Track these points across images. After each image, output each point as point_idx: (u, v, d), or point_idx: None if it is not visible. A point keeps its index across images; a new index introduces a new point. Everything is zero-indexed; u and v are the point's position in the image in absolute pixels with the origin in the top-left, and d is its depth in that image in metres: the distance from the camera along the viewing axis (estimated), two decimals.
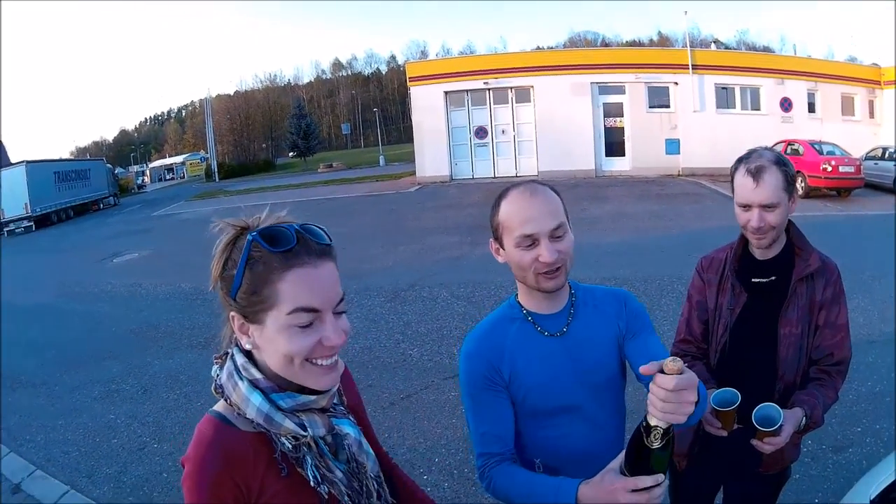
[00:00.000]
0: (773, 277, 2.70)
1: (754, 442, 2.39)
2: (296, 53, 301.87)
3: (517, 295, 2.17)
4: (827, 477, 4.81)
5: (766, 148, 2.68)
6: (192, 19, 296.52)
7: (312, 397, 1.46)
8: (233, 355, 1.48)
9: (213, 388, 1.48)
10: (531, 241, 1.94)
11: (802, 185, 20.75)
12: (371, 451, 1.64)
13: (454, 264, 13.50)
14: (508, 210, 2.00)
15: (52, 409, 7.28)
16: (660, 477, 1.56)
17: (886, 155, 23.57)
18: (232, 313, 1.42)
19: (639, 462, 1.56)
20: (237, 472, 1.37)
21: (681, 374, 1.45)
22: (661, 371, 1.47)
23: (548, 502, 1.80)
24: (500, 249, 2.08)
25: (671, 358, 1.46)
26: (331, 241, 1.48)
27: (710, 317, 2.87)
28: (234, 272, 1.37)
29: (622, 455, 1.64)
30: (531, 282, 2.01)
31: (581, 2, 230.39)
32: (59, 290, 14.29)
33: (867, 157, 23.92)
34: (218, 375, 1.49)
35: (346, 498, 1.51)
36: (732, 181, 2.67)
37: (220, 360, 1.52)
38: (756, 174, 2.52)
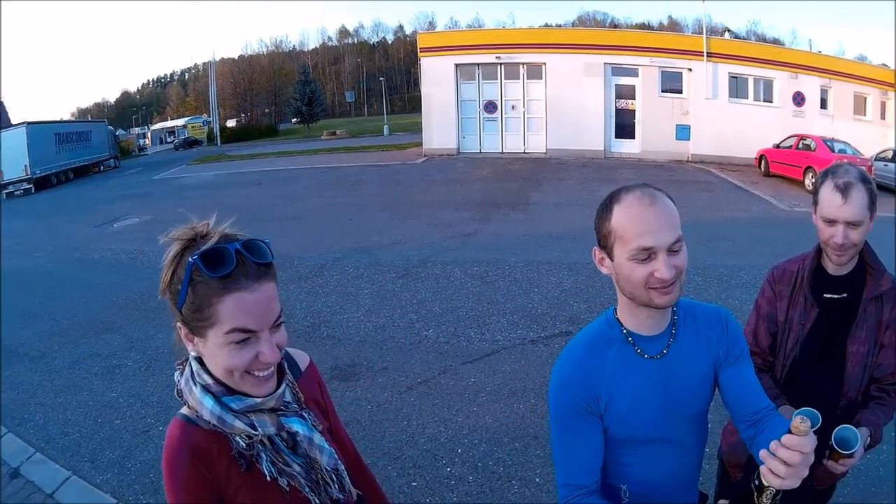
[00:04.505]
0: (845, 294, 2.72)
1: (829, 463, 2.34)
2: (302, 19, 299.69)
3: (616, 309, 1.99)
4: (844, 483, 4.68)
5: (849, 164, 2.66)
6: None
7: (259, 399, 1.54)
8: (190, 362, 1.58)
9: (175, 393, 1.59)
10: (648, 255, 1.74)
11: (813, 181, 20.47)
12: (326, 445, 1.69)
13: (466, 241, 13.29)
14: (624, 218, 1.78)
15: (51, 385, 7.02)
16: None
17: None
18: (178, 323, 1.51)
19: None
20: (204, 466, 1.51)
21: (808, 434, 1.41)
22: (789, 431, 1.42)
23: None
24: (606, 260, 1.88)
25: (799, 417, 1.41)
26: (272, 257, 1.52)
27: (780, 329, 2.87)
28: (179, 288, 1.45)
29: None
30: (641, 298, 1.81)
31: None
32: (57, 256, 14.08)
33: (877, 158, 23.97)
34: (178, 381, 1.60)
35: (306, 489, 1.62)
36: (817, 194, 2.65)
37: (181, 366, 1.63)
38: (845, 190, 2.52)
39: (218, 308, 1.42)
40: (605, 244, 1.85)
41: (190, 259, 1.42)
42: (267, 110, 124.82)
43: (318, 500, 1.65)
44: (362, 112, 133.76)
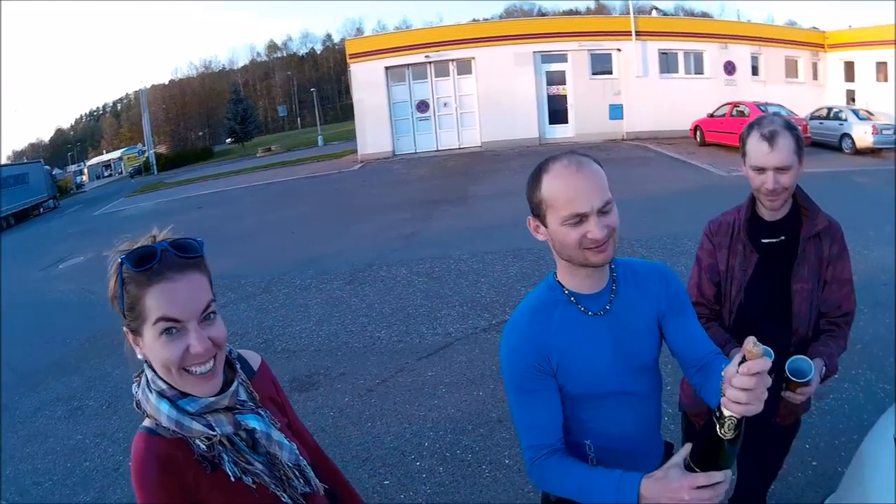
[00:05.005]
0: (783, 237, 2.84)
1: (787, 394, 2.52)
2: (230, 37, 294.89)
3: (555, 273, 2.09)
4: (814, 424, 5.05)
5: (775, 114, 2.85)
6: (121, 9, 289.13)
7: (212, 398, 1.59)
8: (145, 372, 1.62)
9: (134, 405, 1.64)
10: (579, 219, 1.84)
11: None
12: (285, 441, 1.74)
13: (409, 241, 13.41)
14: (553, 186, 1.89)
15: (17, 436, 6.87)
16: (728, 473, 1.55)
17: (831, 114, 24.32)
18: (124, 328, 1.59)
19: (707, 455, 1.56)
20: (174, 474, 1.55)
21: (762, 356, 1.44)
22: (743, 358, 1.45)
23: (608, 499, 1.75)
24: (541, 227, 1.98)
25: (751, 341, 1.42)
26: (202, 252, 1.61)
27: (722, 278, 2.98)
28: (118, 292, 1.54)
29: (686, 449, 1.64)
30: (578, 258, 1.91)
31: None
32: (5, 303, 13.80)
33: (812, 117, 24.88)
34: (136, 392, 1.64)
35: (272, 486, 1.67)
36: (744, 146, 2.78)
37: (137, 379, 1.67)
38: (771, 139, 2.64)
39: (145, 302, 1.49)
40: (539, 212, 1.96)
41: (118, 259, 1.52)
42: (201, 133, 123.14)
43: (286, 497, 1.71)
44: (296, 125, 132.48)
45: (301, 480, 1.76)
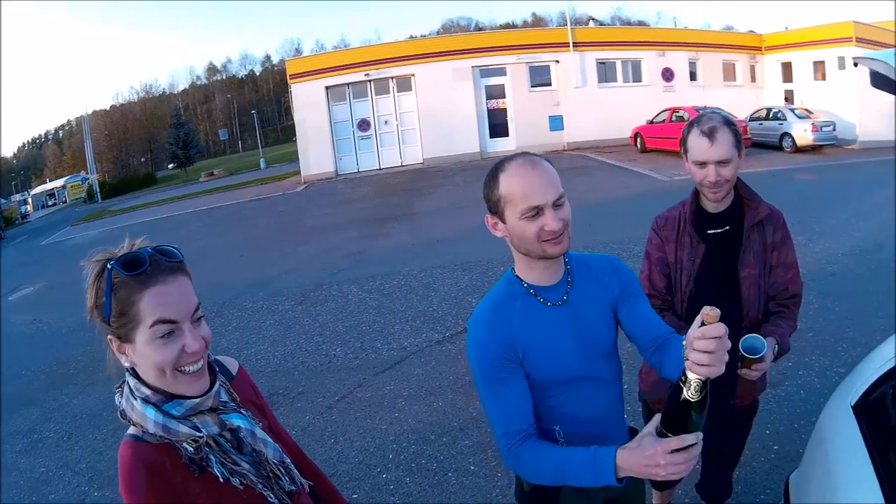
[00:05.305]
0: (727, 227, 2.98)
1: (743, 371, 2.62)
2: (170, 60, 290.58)
3: (514, 269, 2.19)
4: (772, 410, 5.30)
5: (713, 111, 2.98)
6: (59, 34, 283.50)
7: (197, 399, 1.62)
8: (127, 380, 1.65)
9: (119, 415, 1.66)
10: (536, 212, 1.96)
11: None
12: (269, 439, 1.79)
13: (357, 259, 13.41)
14: (510, 183, 2.01)
15: None
16: (700, 434, 1.63)
17: (770, 115, 25.10)
18: (109, 336, 1.60)
19: (677, 420, 1.62)
20: (162, 480, 1.56)
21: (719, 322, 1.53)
22: (702, 323, 1.53)
23: (586, 475, 1.83)
24: (499, 223, 2.09)
25: (708, 308, 1.52)
26: (182, 257, 1.67)
27: (672, 270, 3.10)
28: (103, 300, 1.56)
29: (656, 419, 1.71)
30: (536, 251, 2.03)
31: None
32: None
33: (752, 119, 25.71)
34: (120, 402, 1.66)
35: (259, 486, 1.70)
36: (685, 143, 2.92)
37: (119, 389, 1.68)
38: (710, 134, 2.79)
39: (139, 306, 1.52)
40: (497, 210, 2.06)
41: (108, 266, 1.55)
42: (143, 159, 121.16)
43: (273, 496, 1.74)
44: (237, 149, 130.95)
45: (287, 478, 1.80)
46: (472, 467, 5.12)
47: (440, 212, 17.81)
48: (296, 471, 1.87)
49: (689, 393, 1.56)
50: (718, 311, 1.52)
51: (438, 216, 17.18)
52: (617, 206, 15.68)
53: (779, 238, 3.00)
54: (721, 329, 1.52)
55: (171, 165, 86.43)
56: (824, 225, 11.45)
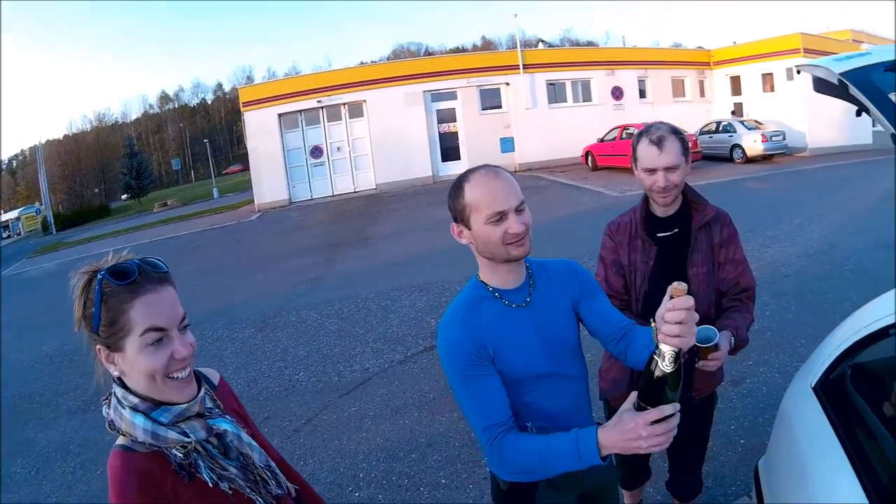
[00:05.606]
0: (676, 230, 3.13)
1: (700, 363, 2.74)
2: (122, 88, 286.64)
3: (478, 276, 2.30)
4: (735, 407, 5.51)
5: (661, 122, 3.10)
6: (10, 63, 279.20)
7: (184, 405, 1.66)
8: (114, 391, 1.66)
9: (107, 426, 1.66)
10: (500, 217, 2.08)
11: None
12: (254, 442, 1.84)
13: (315, 285, 13.40)
14: (475, 191, 2.13)
15: None
16: (677, 405, 1.69)
17: (720, 128, 25.76)
18: (98, 346, 1.63)
19: (654, 392, 1.68)
20: (153, 488, 1.57)
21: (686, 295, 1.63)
22: (671, 297, 1.64)
23: (570, 457, 1.89)
24: (465, 231, 2.20)
25: (676, 283, 1.63)
26: (168, 269, 1.72)
27: (627, 271, 3.23)
28: (92, 310, 1.58)
29: (633, 395, 1.77)
30: (500, 254, 2.14)
31: (402, 14, 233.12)
32: None
33: (702, 132, 26.29)
34: (108, 413, 1.66)
35: (247, 490, 1.74)
36: (635, 152, 3.07)
37: (107, 401, 1.69)
38: (659, 143, 2.94)
39: (130, 314, 1.56)
40: (462, 217, 2.18)
41: (98, 276, 1.58)
42: (97, 189, 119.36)
43: (261, 500, 1.78)
44: (190, 178, 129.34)
45: (273, 482, 1.85)
46: (444, 480, 5.15)
47: (395, 236, 17.91)
48: (282, 475, 1.92)
49: (664, 364, 1.63)
50: (685, 285, 1.62)
51: (393, 240, 17.26)
52: (570, 222, 15.90)
53: (726, 236, 3.14)
54: (690, 301, 1.62)
55: (124, 196, 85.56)
56: (777, 230, 11.89)
